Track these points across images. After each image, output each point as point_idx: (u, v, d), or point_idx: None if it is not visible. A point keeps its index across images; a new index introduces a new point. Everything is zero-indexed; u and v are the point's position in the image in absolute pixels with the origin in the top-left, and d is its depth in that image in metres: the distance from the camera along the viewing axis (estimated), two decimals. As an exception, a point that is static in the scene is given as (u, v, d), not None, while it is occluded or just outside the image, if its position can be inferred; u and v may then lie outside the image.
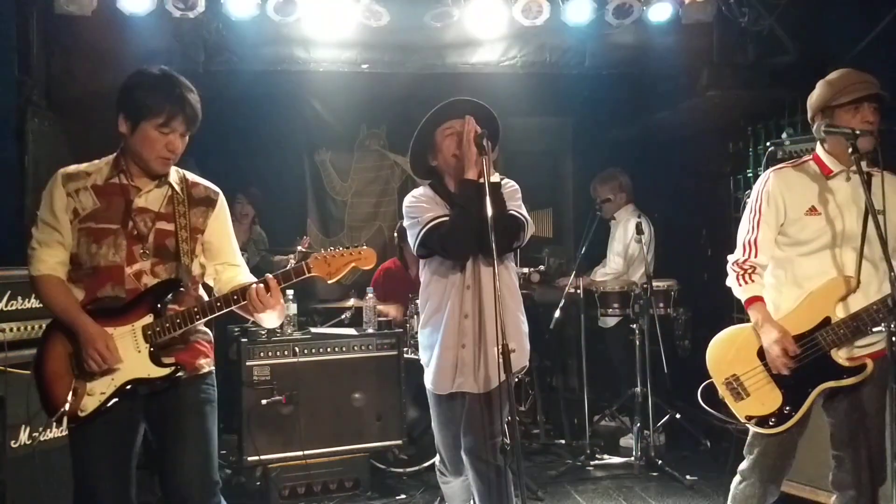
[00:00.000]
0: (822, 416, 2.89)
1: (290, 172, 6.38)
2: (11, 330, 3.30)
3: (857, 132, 2.59)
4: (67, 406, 2.43)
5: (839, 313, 2.74)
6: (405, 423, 4.52)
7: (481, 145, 2.89)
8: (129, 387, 2.48)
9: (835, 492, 2.86)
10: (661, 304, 5.01)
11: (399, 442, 4.48)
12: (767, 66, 4.83)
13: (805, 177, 2.84)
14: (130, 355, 2.49)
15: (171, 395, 2.54)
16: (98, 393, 2.46)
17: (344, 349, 4.41)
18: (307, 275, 2.59)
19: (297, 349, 4.31)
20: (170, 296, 2.56)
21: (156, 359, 2.51)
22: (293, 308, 4.48)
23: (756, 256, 2.85)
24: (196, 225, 2.63)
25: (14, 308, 3.34)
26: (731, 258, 2.94)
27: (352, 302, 5.00)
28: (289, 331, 4.40)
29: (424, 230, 2.96)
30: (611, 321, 5.21)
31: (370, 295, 4.69)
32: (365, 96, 5.84)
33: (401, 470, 4.58)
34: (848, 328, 2.70)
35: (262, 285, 2.53)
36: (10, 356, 3.15)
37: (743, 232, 2.91)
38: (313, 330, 4.61)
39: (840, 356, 2.74)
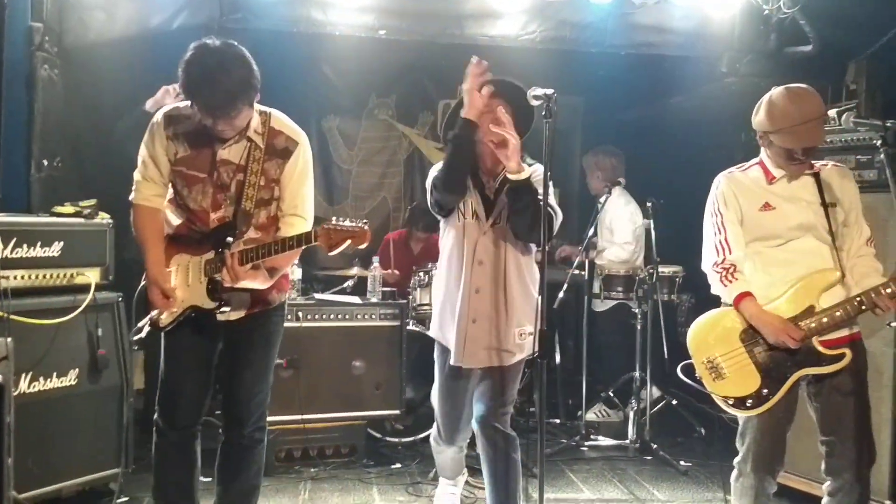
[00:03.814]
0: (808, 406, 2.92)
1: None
2: (16, 278, 3.26)
3: (888, 124, 2.59)
4: (149, 318, 2.86)
5: (823, 303, 2.79)
6: (403, 393, 4.52)
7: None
8: (189, 311, 2.80)
9: (828, 478, 2.88)
10: (666, 290, 5.00)
11: (397, 412, 4.48)
12: (788, 55, 4.79)
13: (752, 179, 2.93)
14: (195, 284, 2.80)
15: (247, 321, 2.86)
16: (173, 311, 2.83)
17: (347, 317, 4.40)
18: (313, 243, 2.62)
19: (300, 314, 4.30)
20: (229, 238, 2.72)
21: (210, 292, 2.76)
22: (298, 273, 4.46)
23: (731, 253, 2.89)
24: (272, 176, 2.78)
25: (19, 256, 3.29)
26: (706, 265, 2.97)
27: (355, 270, 4.97)
28: (293, 295, 4.38)
29: (430, 178, 3.04)
30: (602, 305, 5.20)
31: (375, 264, 4.67)
32: (377, 64, 5.77)
33: (397, 440, 4.59)
34: (829, 317, 2.76)
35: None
36: (13, 304, 3.10)
37: (710, 236, 2.97)
38: (317, 296, 4.58)
39: (820, 344, 2.79)
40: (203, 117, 2.63)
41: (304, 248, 2.67)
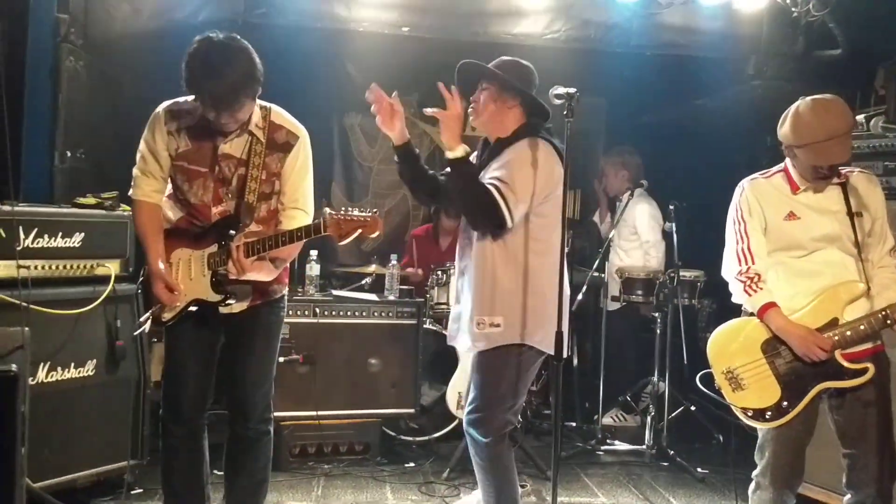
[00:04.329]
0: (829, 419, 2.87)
1: (317, 133, 6.22)
2: (36, 268, 3.27)
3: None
4: (151, 312, 2.86)
5: (847, 316, 2.73)
6: (419, 392, 4.50)
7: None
8: (193, 306, 2.79)
9: (849, 492, 2.83)
10: (686, 295, 4.94)
11: (412, 411, 4.46)
12: (815, 59, 4.72)
13: (776, 187, 2.86)
14: (198, 278, 2.79)
15: (249, 313, 2.86)
16: (175, 305, 2.80)
17: (364, 314, 4.39)
18: (323, 233, 2.62)
19: (317, 310, 4.30)
20: (232, 231, 2.73)
21: (214, 285, 2.77)
22: (316, 269, 4.46)
23: (755, 263, 2.82)
24: (273, 170, 2.79)
25: (40, 246, 3.31)
26: (729, 273, 2.90)
27: (373, 268, 4.96)
28: (311, 291, 4.39)
29: None
30: (613, 304, 5.15)
31: (393, 262, 4.65)
32: (399, 62, 5.73)
33: (411, 439, 4.57)
34: (853, 331, 2.70)
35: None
36: (33, 293, 3.12)
37: (732, 244, 2.90)
38: (335, 292, 4.58)
39: (842, 357, 2.72)
40: (206, 110, 2.63)
41: (311, 238, 2.66)
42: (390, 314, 4.43)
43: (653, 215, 5.18)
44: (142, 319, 2.92)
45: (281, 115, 2.85)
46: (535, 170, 2.76)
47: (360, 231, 2.58)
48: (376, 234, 2.63)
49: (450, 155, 2.77)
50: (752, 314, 2.85)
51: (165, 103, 2.82)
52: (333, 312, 4.33)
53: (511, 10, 4.65)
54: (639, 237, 5.21)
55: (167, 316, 2.82)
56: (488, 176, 2.81)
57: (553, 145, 2.86)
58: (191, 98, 2.73)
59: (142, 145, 2.82)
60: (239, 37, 2.64)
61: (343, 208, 2.62)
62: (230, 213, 2.79)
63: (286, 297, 3.03)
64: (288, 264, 2.96)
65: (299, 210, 2.83)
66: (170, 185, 2.86)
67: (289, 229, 2.67)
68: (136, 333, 3.14)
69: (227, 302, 2.78)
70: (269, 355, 2.95)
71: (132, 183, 2.86)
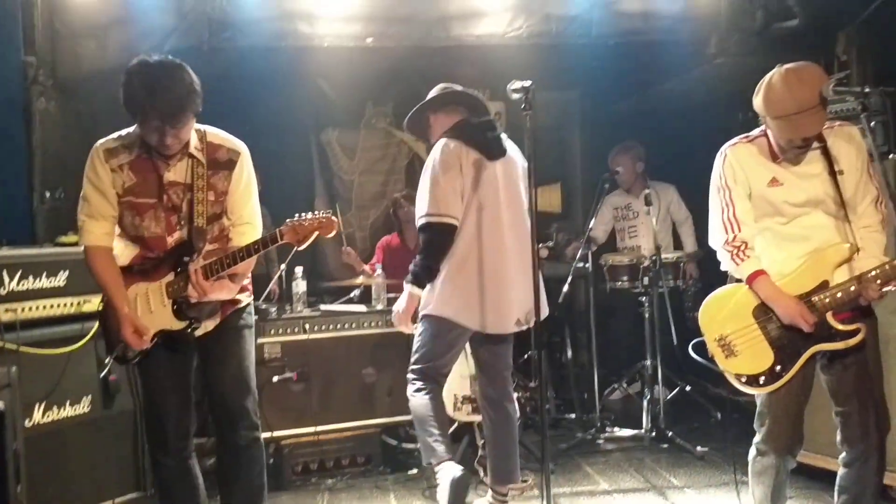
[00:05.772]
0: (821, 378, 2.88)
1: (296, 152, 6.32)
2: (24, 310, 3.30)
3: (867, 90, 2.57)
4: (114, 354, 2.89)
5: (837, 278, 2.73)
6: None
7: None
8: (156, 339, 2.80)
9: (843, 449, 2.84)
10: (671, 276, 4.99)
11: (410, 417, 4.47)
12: (776, 32, 4.76)
13: (759, 152, 2.82)
14: (158, 309, 2.80)
15: (218, 327, 2.92)
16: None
17: (354, 325, 4.42)
18: (280, 242, 2.69)
19: (307, 326, 4.33)
20: (187, 257, 2.77)
21: (177, 312, 2.79)
22: (303, 286, 4.49)
23: (741, 231, 2.80)
24: (221, 188, 2.82)
25: (25, 288, 3.33)
26: (716, 242, 2.89)
27: (360, 279, 4.99)
28: (299, 308, 4.42)
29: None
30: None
31: (379, 272, 4.69)
32: (370, 73, 5.78)
33: (412, 445, 4.59)
34: (844, 292, 2.70)
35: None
36: (21, 336, 3.15)
37: (717, 212, 2.87)
38: (323, 307, 4.61)
39: (834, 319, 2.73)
40: (149, 133, 2.64)
41: (270, 248, 2.75)
42: (380, 323, 4.46)
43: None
44: (106, 360, 2.97)
45: (217, 134, 2.88)
46: (435, 174, 3.27)
47: (317, 233, 2.63)
48: (333, 233, 2.68)
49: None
50: (740, 281, 2.86)
51: (100, 143, 2.81)
52: (323, 327, 4.36)
53: (471, 11, 4.68)
54: (672, 219, 5.43)
55: (132, 353, 2.83)
56: None
57: (461, 137, 3.30)
58: (124, 133, 2.76)
59: (86, 188, 2.79)
60: (172, 56, 2.69)
61: (300, 214, 2.66)
62: (184, 239, 2.80)
63: (252, 304, 3.08)
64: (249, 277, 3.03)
65: (248, 224, 2.87)
66: (117, 228, 2.85)
67: (245, 245, 2.71)
68: (101, 376, 3.26)
69: (192, 326, 2.80)
70: (245, 361, 2.98)
71: (81, 228, 2.81)
